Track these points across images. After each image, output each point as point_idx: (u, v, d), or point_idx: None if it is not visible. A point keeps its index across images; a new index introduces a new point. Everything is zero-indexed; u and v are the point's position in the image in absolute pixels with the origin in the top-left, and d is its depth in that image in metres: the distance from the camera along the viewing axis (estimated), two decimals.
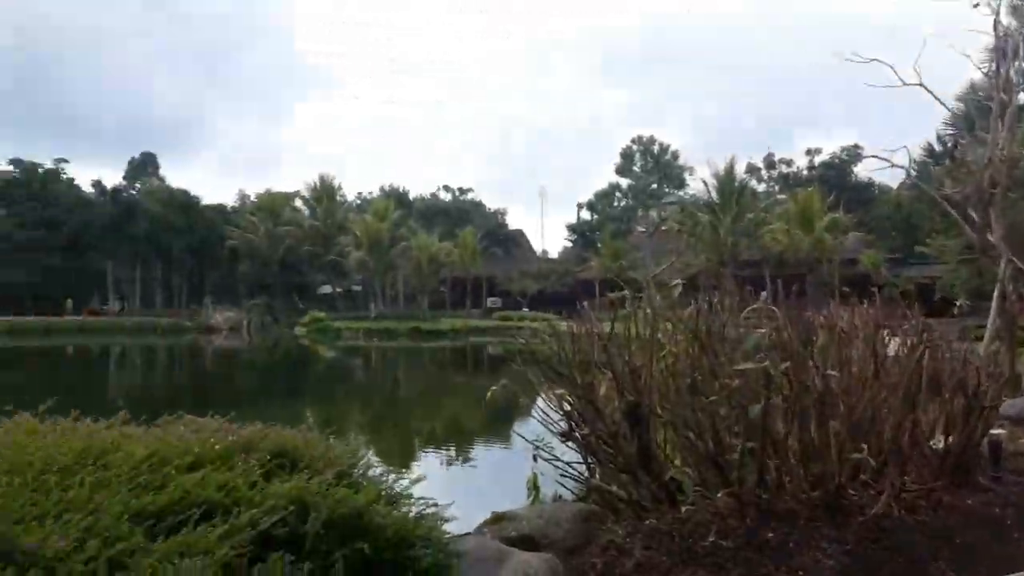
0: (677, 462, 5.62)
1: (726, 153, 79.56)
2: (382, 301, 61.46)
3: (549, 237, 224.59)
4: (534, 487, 6.37)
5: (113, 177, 71.22)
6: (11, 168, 60.10)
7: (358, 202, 74.44)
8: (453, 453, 14.69)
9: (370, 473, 4.83)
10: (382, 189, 77.89)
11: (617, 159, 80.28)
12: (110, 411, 4.46)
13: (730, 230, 49.50)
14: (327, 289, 66.34)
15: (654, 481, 5.22)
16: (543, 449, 6.33)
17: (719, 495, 5.08)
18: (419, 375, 33.58)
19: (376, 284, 61.50)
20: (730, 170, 52.46)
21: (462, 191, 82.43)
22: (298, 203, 68.59)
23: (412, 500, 4.66)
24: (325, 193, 66.14)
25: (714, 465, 5.13)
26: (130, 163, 74.66)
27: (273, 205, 64.34)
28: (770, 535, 4.77)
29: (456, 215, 73.31)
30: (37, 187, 58.84)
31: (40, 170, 60.86)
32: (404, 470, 5.77)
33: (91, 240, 57.35)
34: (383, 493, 4.49)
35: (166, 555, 2.97)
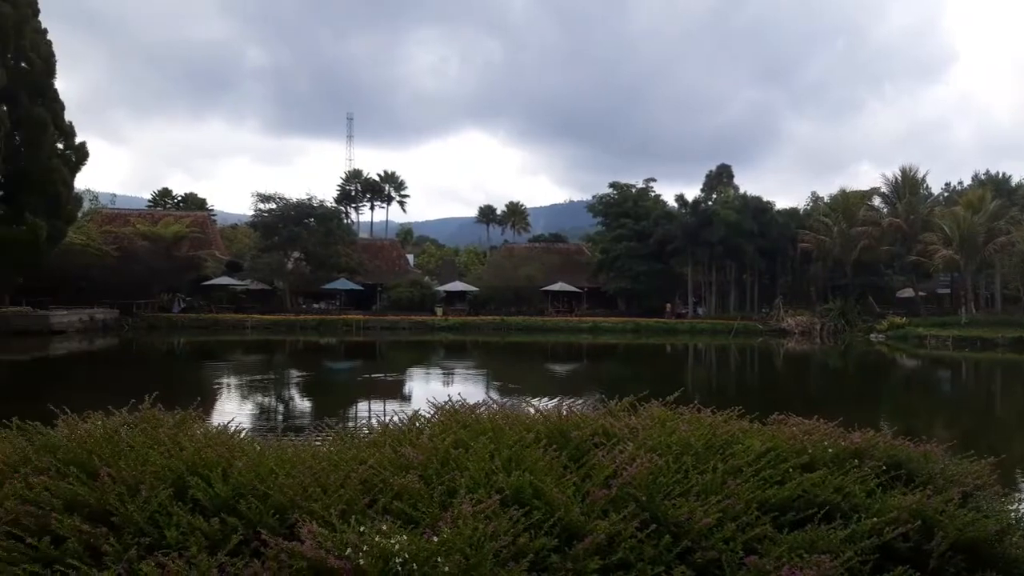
0: None
1: None
2: (975, 305, 53.92)
3: None
4: None
5: (693, 190, 77.86)
6: (611, 191, 70.33)
7: (945, 195, 66.78)
8: None
9: (996, 500, 4.30)
10: (975, 177, 68.46)
11: None
12: (697, 404, 4.86)
13: None
14: (907, 292, 61.07)
15: None
16: None
17: None
18: None
19: (967, 286, 54.28)
20: None
21: None
22: (875, 201, 64.62)
23: None
24: (907, 187, 60.86)
25: None
26: (707, 176, 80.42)
27: (847, 204, 61.85)
28: None
29: None
30: (630, 205, 67.58)
31: (632, 190, 69.81)
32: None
33: (674, 248, 63.39)
34: (1016, 523, 3.95)
35: (794, 547, 3.09)
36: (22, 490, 2.83)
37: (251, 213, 63.84)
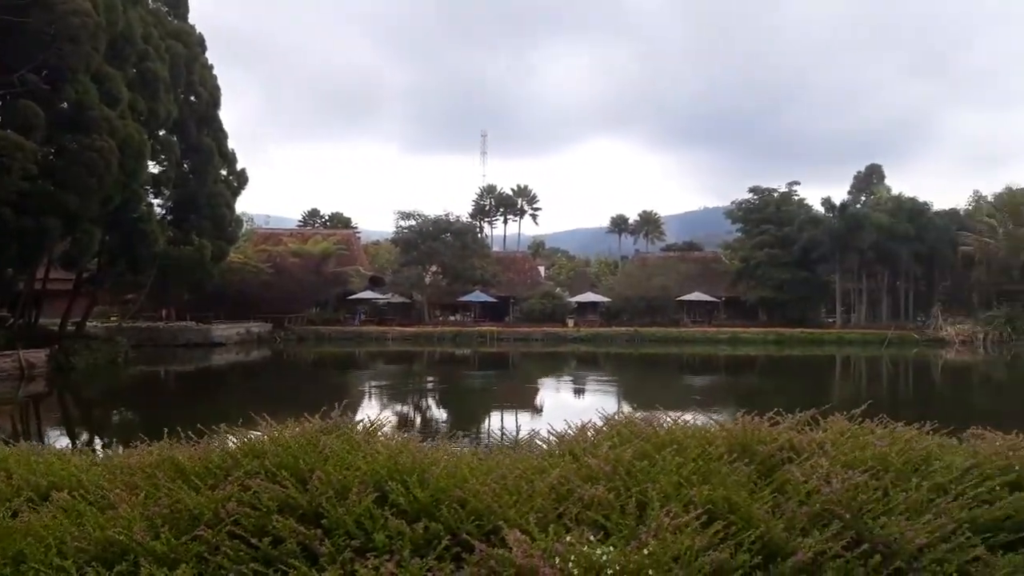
0: None
1: None
2: None
3: None
4: None
5: (840, 193, 73.84)
6: (751, 196, 67.84)
7: None
8: None
9: None
10: None
11: None
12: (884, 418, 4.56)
13: None
14: None
15: None
16: None
17: None
18: None
19: None
20: None
21: None
22: None
23: None
24: None
25: None
26: (855, 177, 76.37)
27: (1014, 203, 56.91)
28: None
29: None
30: (772, 210, 64.92)
31: (775, 195, 67.03)
32: None
33: (820, 255, 60.32)
34: None
35: (1012, 572, 2.85)
36: (239, 493, 3.04)
37: (392, 230, 66.49)
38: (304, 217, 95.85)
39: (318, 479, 3.01)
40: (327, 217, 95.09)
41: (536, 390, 28.87)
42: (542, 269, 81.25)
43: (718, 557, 2.50)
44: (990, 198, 62.24)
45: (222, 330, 49.71)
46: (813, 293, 63.23)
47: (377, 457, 3.25)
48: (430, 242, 62.10)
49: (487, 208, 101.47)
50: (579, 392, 28.36)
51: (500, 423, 20.20)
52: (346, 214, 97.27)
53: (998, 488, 3.46)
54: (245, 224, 70.98)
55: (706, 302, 64.19)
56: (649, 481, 3.10)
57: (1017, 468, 3.73)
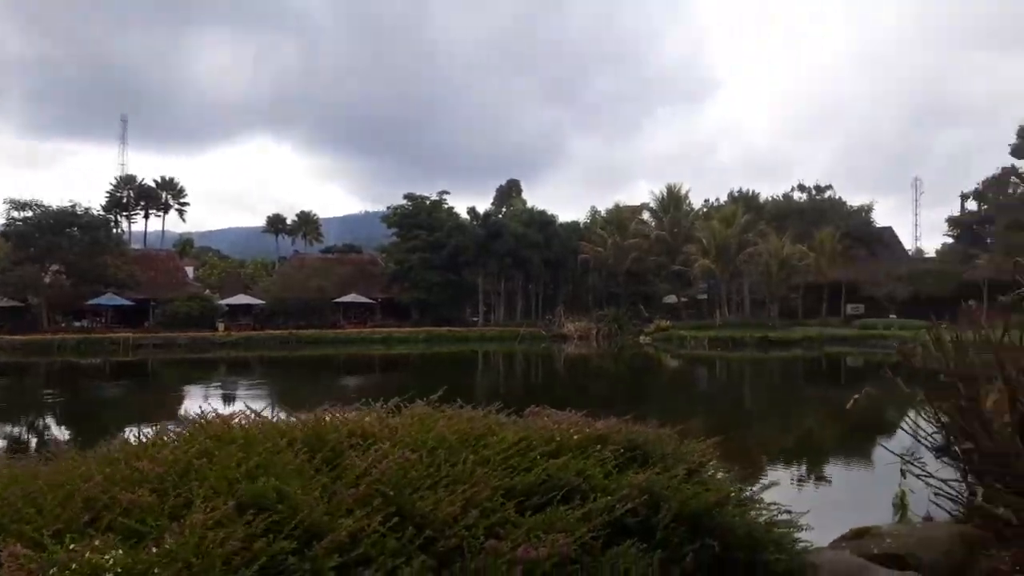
0: None
1: None
2: (728, 309, 60.09)
3: (926, 234, 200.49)
4: (901, 504, 5.76)
5: (484, 203, 79.99)
6: (406, 202, 70.35)
7: (705, 210, 73.92)
8: (804, 468, 13.91)
9: (719, 475, 4.83)
10: (730, 195, 76.37)
11: (1013, 139, 67.48)
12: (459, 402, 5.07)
13: None
14: (672, 298, 66.79)
15: None
16: (914, 464, 5.72)
17: None
18: (766, 386, 32.24)
19: (722, 292, 60.38)
20: None
21: (819, 189, 77.43)
22: (645, 215, 70.16)
23: (763, 505, 4.56)
24: (672, 203, 66.74)
25: None
26: (497, 190, 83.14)
27: (620, 218, 66.63)
28: None
29: (812, 215, 68.95)
30: (424, 217, 68.06)
31: (427, 202, 70.31)
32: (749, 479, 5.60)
33: (466, 259, 64.75)
34: (732, 494, 4.46)
35: (533, 529, 3.30)
36: None
37: (2, 222, 56.72)
38: None
39: None
40: None
41: (175, 399, 26.74)
42: (190, 270, 75.59)
43: (248, 546, 2.53)
44: (603, 213, 72.16)
45: None
46: (460, 294, 67.53)
47: None
48: (51, 236, 54.15)
49: (125, 201, 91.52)
50: (229, 399, 26.84)
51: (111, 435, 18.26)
52: None
53: (538, 457, 3.98)
54: None
55: (363, 304, 65.03)
56: (199, 480, 3.03)
57: (558, 439, 4.32)
